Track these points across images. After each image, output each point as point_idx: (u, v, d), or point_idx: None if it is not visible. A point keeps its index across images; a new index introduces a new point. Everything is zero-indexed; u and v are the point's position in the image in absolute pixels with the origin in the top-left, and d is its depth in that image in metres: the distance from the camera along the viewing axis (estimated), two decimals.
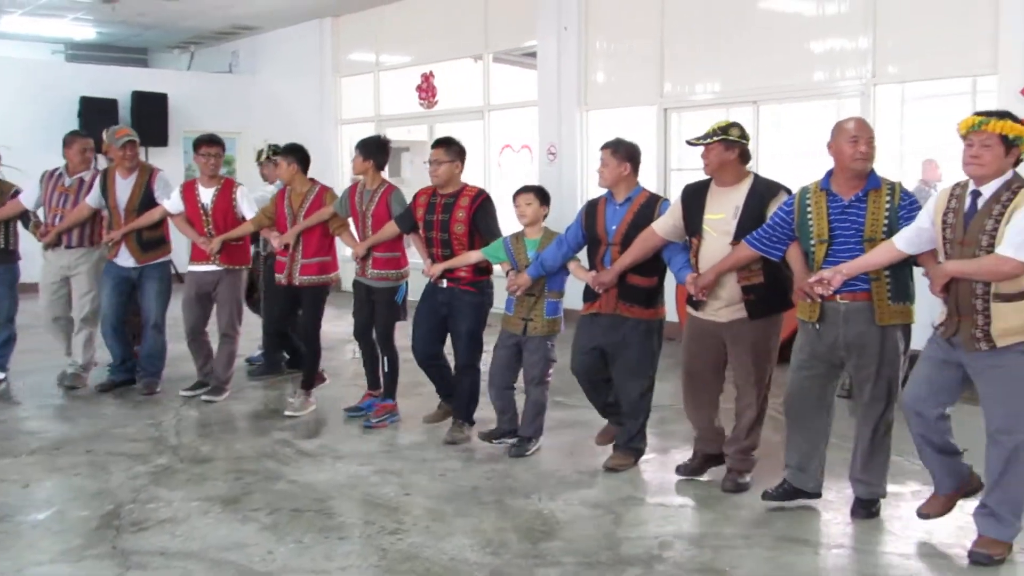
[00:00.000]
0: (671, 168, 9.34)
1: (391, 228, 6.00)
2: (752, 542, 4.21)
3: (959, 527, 4.25)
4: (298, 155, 6.48)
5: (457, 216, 5.61)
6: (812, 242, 4.28)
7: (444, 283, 5.69)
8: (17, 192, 7.24)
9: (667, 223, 4.86)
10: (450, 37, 11.65)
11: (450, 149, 5.70)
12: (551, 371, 5.53)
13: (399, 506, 4.72)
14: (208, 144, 6.80)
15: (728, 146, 4.64)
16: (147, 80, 14.38)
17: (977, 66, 7.19)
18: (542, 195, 5.52)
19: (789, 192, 4.57)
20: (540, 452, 5.55)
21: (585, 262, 5.31)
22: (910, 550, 4.13)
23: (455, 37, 11.60)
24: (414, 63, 12.29)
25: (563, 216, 5.93)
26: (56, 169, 7.19)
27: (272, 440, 5.96)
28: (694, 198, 4.78)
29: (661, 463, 5.35)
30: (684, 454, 5.34)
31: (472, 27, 11.30)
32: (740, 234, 4.56)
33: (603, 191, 5.18)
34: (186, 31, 14.83)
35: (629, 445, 5.22)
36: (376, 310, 6.18)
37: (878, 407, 4.32)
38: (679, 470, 5.07)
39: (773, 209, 4.51)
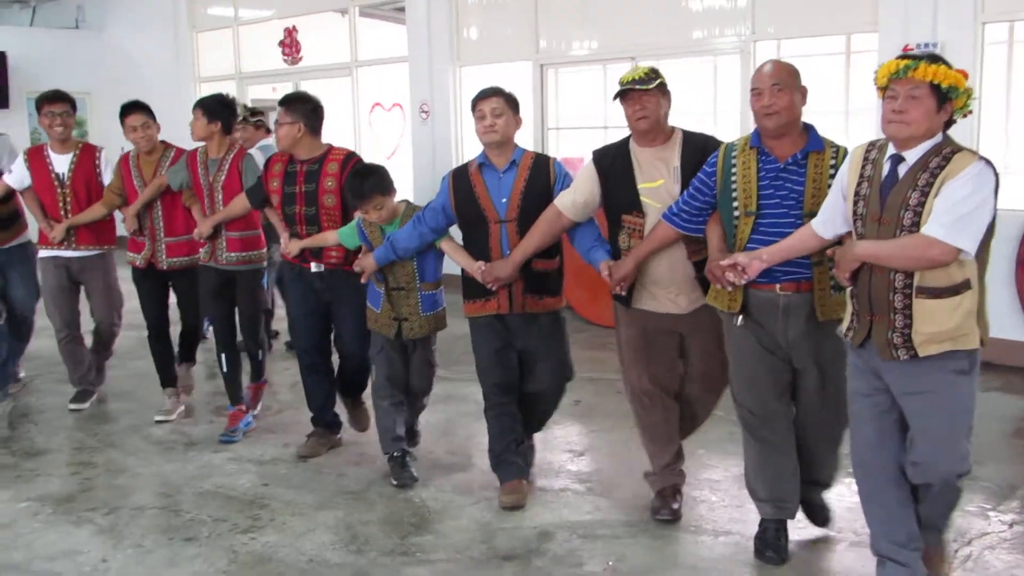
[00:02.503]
0: (548, 127, 9.01)
1: (241, 203, 4.98)
2: (637, 530, 3.90)
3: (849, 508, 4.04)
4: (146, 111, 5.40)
5: (326, 186, 4.59)
6: (736, 214, 3.46)
7: (319, 267, 4.67)
8: None
9: (576, 201, 3.90)
10: None
11: (291, 108, 4.64)
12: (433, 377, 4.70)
13: (255, 499, 4.29)
14: (51, 101, 5.56)
15: (665, 94, 3.80)
16: None
17: (859, 23, 7.05)
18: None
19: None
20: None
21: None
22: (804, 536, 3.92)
23: None
24: (275, 16, 11.61)
25: (437, 179, 5.19)
26: None
27: (118, 427, 5.42)
28: (616, 166, 3.81)
29: (543, 442, 4.98)
30: (567, 431, 5.06)
31: None
32: None
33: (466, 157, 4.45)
34: None
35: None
36: (239, 299, 5.18)
37: (828, 420, 3.59)
38: (657, 513, 3.97)
39: None
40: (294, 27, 11.38)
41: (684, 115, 7.21)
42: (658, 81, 3.74)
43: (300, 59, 11.38)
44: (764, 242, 3.37)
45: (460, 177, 4.18)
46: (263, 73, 12.00)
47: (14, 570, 3.66)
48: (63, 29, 14.30)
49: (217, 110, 5.05)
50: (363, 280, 4.42)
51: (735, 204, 3.45)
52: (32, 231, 5.99)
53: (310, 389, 4.92)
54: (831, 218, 3.22)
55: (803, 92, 3.44)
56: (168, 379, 5.68)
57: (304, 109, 4.65)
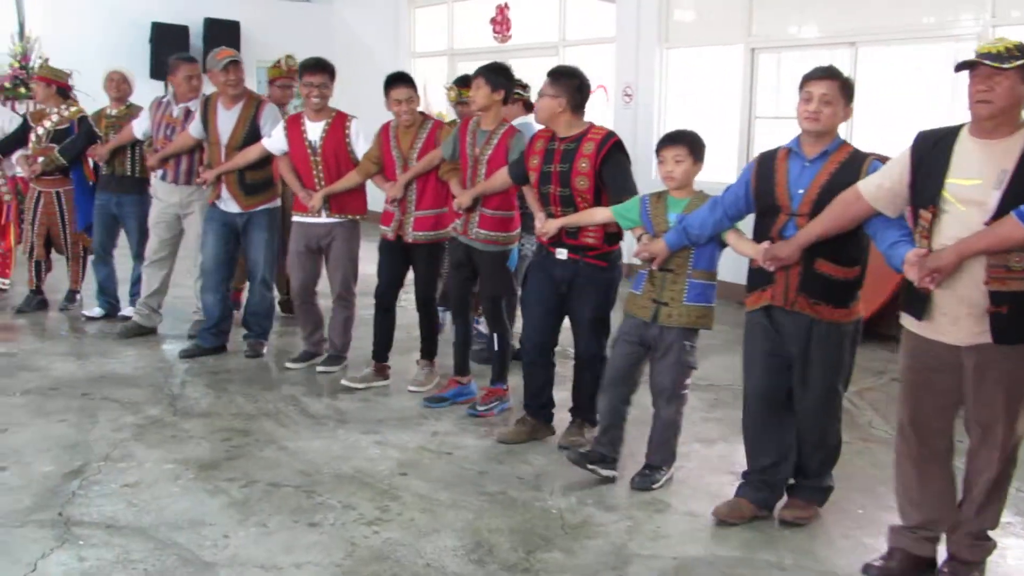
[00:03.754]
0: (756, 116, 8.41)
1: (502, 176, 4.80)
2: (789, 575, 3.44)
3: None
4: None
5: (579, 167, 4.34)
6: None
7: (563, 254, 4.47)
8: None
9: (880, 186, 3.35)
10: None
11: (556, 82, 4.40)
12: (688, 381, 4.20)
13: (389, 488, 4.10)
14: (311, 72, 5.51)
15: None
16: (221, 7, 13.87)
17: None
18: (695, 147, 4.08)
19: None
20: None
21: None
22: None
23: None
24: None
25: (637, 166, 4.78)
26: (164, 97, 6.53)
27: (279, 396, 5.40)
28: (935, 152, 3.20)
29: (703, 459, 4.56)
30: (731, 450, 4.60)
31: None
32: (1003, 210, 3.02)
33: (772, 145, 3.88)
34: None
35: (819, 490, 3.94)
36: (482, 279, 5.11)
37: None
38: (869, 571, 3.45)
39: None
40: (506, 4, 11.24)
41: (912, 107, 6.43)
42: (1019, 62, 3.03)
43: (509, 37, 11.24)
44: None
45: (765, 161, 3.77)
46: (473, 50, 11.94)
47: (139, 534, 3.62)
48: (296, 1, 14.84)
49: (501, 81, 4.86)
50: (655, 267, 4.06)
51: None
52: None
53: (527, 380, 4.78)
54: None
55: None
56: (381, 351, 5.65)
57: (570, 84, 4.43)
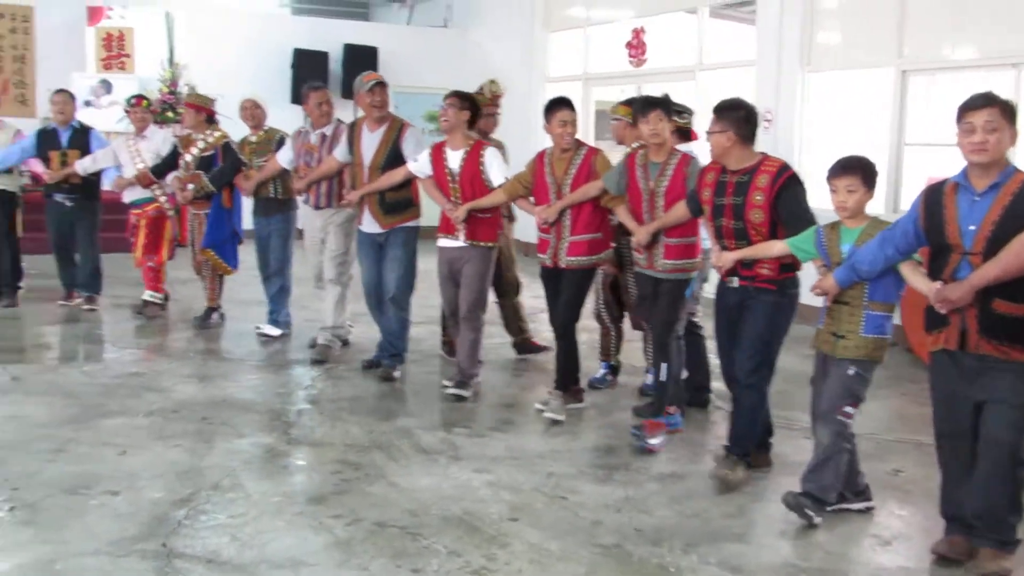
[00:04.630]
0: (905, 143, 7.89)
1: (681, 210, 4.77)
2: None
3: None
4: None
5: (753, 200, 4.27)
6: None
7: (735, 282, 4.43)
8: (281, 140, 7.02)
9: None
10: None
11: (722, 116, 4.39)
12: (853, 412, 4.00)
13: (498, 535, 3.87)
14: (447, 97, 5.73)
15: None
16: (360, 33, 14.18)
17: None
18: (868, 175, 3.91)
19: None
20: (696, 481, 4.56)
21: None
22: None
23: None
24: (625, 17, 11.28)
25: None
26: (303, 127, 6.83)
27: (393, 427, 5.27)
28: None
29: (855, 514, 4.17)
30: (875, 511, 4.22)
31: None
32: None
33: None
34: None
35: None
36: (657, 305, 5.07)
37: None
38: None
39: None
40: (642, 28, 10.99)
41: None
42: None
43: (644, 61, 10.97)
44: None
45: (933, 195, 3.57)
46: (608, 75, 11.73)
47: (239, 571, 3.50)
48: (432, 28, 15.00)
49: (674, 112, 4.94)
50: (828, 302, 4.00)
51: None
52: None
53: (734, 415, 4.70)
54: None
55: None
56: (567, 379, 5.56)
57: (734, 117, 4.35)
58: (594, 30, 11.98)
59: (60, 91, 8.08)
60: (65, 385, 5.88)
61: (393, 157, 6.01)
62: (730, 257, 4.37)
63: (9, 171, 7.96)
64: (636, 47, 11.07)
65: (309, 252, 6.81)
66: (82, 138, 7.94)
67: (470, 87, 6.03)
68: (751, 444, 4.54)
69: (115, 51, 12.72)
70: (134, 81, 12.00)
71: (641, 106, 4.98)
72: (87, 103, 11.72)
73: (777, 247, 4.23)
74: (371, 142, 6.08)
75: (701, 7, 9.99)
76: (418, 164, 5.86)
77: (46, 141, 7.90)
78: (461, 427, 5.29)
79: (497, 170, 5.66)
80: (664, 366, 5.06)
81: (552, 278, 5.52)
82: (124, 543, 3.72)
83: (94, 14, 12.82)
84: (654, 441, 4.90)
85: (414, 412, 5.58)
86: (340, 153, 6.30)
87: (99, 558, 3.59)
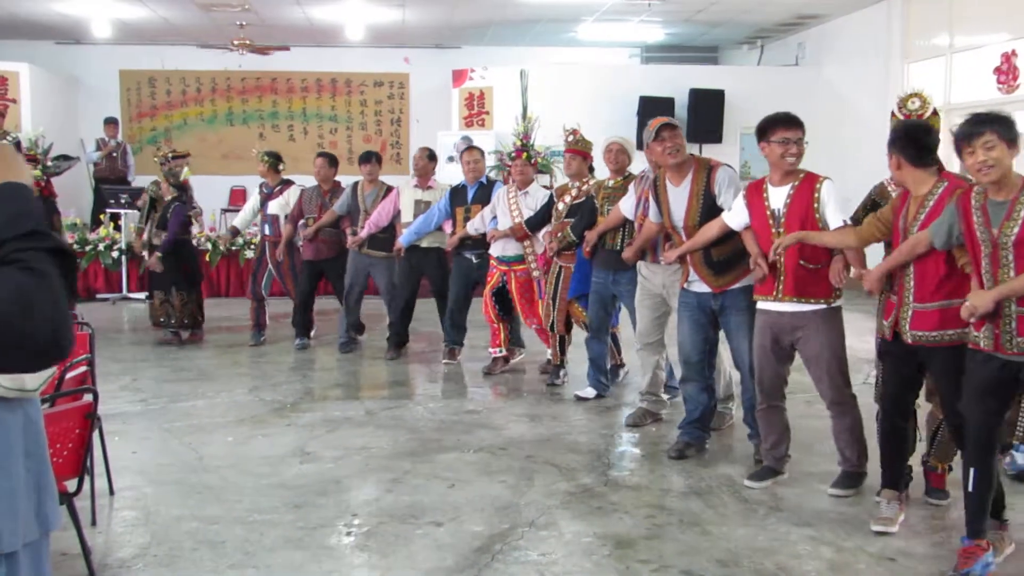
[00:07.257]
0: None
1: None
2: None
3: None
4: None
5: None
6: None
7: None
8: None
9: None
10: None
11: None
12: None
13: None
14: (786, 126, 4.73)
15: None
16: (707, 77, 14.17)
17: None
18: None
19: None
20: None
21: None
22: None
23: None
24: (997, 41, 10.31)
25: None
26: (644, 170, 6.20)
27: (714, 474, 5.10)
28: None
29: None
30: None
31: None
32: None
33: None
34: (750, 26, 14.31)
35: None
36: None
37: None
38: None
39: None
40: (1013, 51, 9.98)
41: None
42: None
43: (1016, 87, 9.95)
44: None
45: None
46: (973, 104, 10.75)
47: None
48: (783, 66, 14.66)
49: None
50: None
51: None
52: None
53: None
54: None
55: None
56: (894, 479, 4.47)
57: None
58: (959, 57, 11.07)
59: (470, 148, 8.16)
60: (410, 420, 6.30)
61: (708, 207, 5.24)
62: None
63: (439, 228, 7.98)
64: (1007, 72, 10.08)
65: (639, 307, 6.13)
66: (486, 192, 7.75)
67: (819, 124, 5.39)
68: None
69: (476, 109, 13.70)
70: (491, 136, 12.82)
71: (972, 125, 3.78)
72: (449, 159, 12.67)
73: None
74: (679, 198, 5.34)
75: None
76: (732, 214, 5.00)
77: (455, 198, 7.80)
78: (798, 484, 4.98)
79: (833, 209, 4.64)
80: (972, 472, 3.83)
81: (891, 354, 4.38)
82: (440, 572, 3.89)
83: (458, 76, 13.91)
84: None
85: (737, 459, 5.37)
86: (652, 215, 5.68)
87: None
